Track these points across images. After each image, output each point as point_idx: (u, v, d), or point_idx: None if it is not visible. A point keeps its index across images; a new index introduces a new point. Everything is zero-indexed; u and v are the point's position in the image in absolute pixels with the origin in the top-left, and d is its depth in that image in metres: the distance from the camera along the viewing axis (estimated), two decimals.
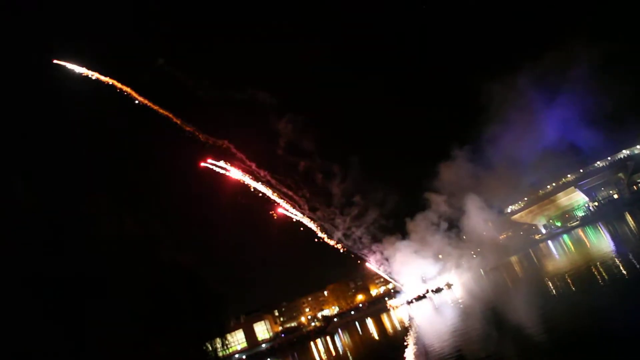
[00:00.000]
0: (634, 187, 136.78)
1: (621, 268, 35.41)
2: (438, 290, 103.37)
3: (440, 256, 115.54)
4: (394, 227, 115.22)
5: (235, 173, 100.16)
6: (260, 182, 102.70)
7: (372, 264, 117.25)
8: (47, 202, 33.49)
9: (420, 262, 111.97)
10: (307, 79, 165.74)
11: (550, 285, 42.03)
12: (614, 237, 66.19)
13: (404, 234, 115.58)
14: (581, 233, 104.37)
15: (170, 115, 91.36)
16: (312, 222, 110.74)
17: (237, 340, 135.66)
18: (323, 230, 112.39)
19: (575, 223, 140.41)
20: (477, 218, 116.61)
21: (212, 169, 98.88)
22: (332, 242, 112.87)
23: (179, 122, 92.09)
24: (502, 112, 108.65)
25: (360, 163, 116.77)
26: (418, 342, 40.79)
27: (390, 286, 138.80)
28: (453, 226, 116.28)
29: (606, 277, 34.42)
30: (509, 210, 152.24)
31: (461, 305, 60.59)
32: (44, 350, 26.83)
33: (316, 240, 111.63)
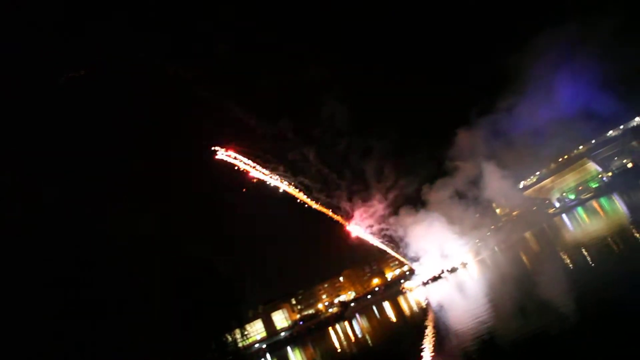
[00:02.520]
0: None
1: (638, 237, 35.00)
2: (453, 270, 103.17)
3: (455, 235, 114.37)
4: (414, 199, 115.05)
5: (249, 163, 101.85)
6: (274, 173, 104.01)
7: (387, 245, 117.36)
8: (65, 203, 33.73)
9: (438, 235, 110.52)
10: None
11: (567, 259, 41.61)
12: (629, 207, 65.30)
13: (423, 204, 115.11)
14: (596, 205, 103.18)
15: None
16: (325, 208, 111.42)
17: (256, 330, 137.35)
18: (341, 215, 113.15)
19: (589, 195, 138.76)
20: (493, 193, 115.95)
21: (227, 160, 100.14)
22: (350, 228, 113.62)
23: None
24: (516, 83, 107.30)
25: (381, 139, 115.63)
26: (436, 323, 40.81)
27: (405, 268, 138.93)
28: (470, 200, 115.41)
29: (622, 247, 34.02)
30: (521, 185, 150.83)
31: (477, 284, 60.47)
32: (59, 350, 27.25)
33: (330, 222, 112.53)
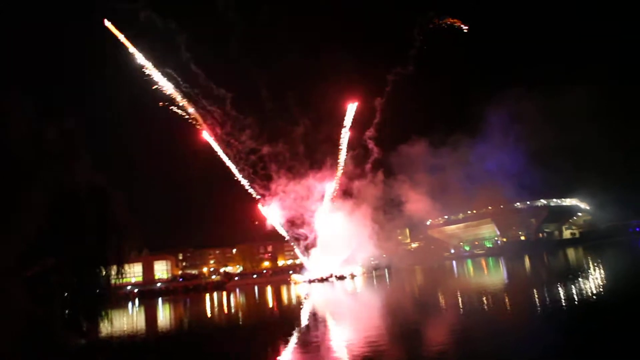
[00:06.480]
0: (540, 234, 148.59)
1: (505, 299, 38.58)
2: (341, 278, 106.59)
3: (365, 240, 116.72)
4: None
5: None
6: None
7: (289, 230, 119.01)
8: None
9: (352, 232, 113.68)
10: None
11: (442, 298, 44.84)
12: (509, 273, 71.51)
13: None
14: (483, 262, 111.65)
15: None
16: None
17: (133, 272, 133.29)
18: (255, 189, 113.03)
19: (481, 252, 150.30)
20: (405, 220, 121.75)
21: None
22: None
23: None
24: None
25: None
26: (309, 319, 42.14)
27: (298, 261, 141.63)
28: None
29: (490, 301, 37.28)
30: (428, 222, 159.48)
31: (359, 296, 63.17)
32: None
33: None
